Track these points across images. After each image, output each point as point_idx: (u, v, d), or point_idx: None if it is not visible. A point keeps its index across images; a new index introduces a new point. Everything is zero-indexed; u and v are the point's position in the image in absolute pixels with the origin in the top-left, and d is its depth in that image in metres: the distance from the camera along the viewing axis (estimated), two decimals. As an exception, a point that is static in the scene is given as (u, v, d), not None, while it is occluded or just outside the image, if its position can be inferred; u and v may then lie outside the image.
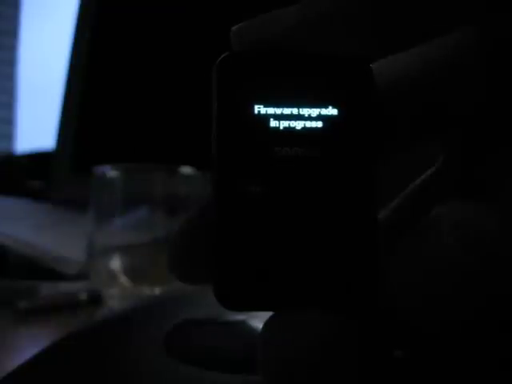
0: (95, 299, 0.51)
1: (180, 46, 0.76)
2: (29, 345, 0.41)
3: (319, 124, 0.16)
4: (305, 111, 0.16)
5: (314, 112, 0.16)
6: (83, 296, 0.50)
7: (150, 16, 0.79)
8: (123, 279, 0.51)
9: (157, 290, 0.51)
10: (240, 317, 0.31)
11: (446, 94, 0.16)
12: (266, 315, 0.16)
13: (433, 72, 0.16)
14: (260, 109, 0.16)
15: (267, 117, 0.16)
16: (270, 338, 0.16)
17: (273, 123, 0.16)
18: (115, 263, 0.52)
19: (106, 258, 0.52)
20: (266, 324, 0.16)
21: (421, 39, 0.17)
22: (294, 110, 0.16)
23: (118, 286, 0.51)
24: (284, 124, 0.16)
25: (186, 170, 0.54)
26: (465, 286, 0.15)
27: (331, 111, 0.16)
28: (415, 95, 0.16)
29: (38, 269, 0.62)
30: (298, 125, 0.16)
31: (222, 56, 0.16)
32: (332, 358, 0.15)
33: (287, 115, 0.16)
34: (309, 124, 0.16)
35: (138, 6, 0.81)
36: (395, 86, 0.17)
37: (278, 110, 0.16)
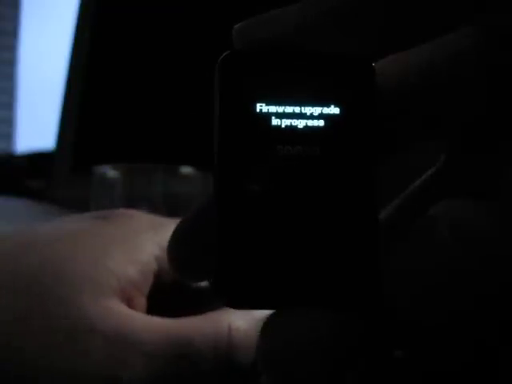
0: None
1: (180, 45, 0.76)
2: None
3: (321, 123, 0.16)
4: (307, 110, 0.16)
5: (316, 111, 0.16)
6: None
7: (150, 16, 0.79)
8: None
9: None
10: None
11: (447, 94, 0.16)
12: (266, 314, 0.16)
13: (433, 72, 0.16)
14: (262, 107, 0.16)
15: (269, 115, 0.16)
16: (270, 338, 0.16)
17: (275, 121, 0.16)
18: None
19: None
20: (267, 323, 0.16)
21: (421, 39, 0.17)
22: (296, 109, 0.16)
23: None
24: (286, 122, 0.16)
25: (186, 169, 0.54)
26: (464, 285, 0.15)
27: (333, 110, 0.16)
28: (415, 95, 0.16)
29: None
30: (300, 123, 0.16)
31: (224, 54, 0.16)
32: (333, 357, 0.15)
33: (289, 113, 0.16)
34: (310, 123, 0.16)
35: (137, 6, 0.81)
36: (395, 86, 0.17)
37: (280, 109, 0.16)
